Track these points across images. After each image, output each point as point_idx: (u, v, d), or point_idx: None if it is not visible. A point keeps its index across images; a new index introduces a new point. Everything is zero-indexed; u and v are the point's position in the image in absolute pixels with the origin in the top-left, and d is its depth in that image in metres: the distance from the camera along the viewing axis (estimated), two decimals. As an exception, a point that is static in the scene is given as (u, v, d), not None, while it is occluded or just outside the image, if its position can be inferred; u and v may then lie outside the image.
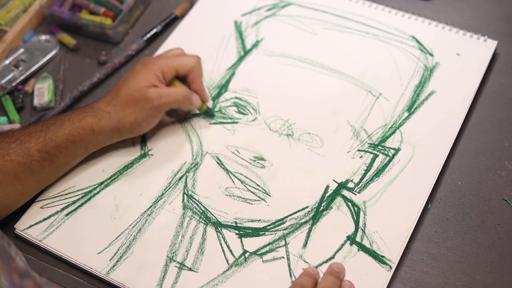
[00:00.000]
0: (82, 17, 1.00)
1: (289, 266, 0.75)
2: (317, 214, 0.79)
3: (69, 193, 0.83)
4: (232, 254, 0.77)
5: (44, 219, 0.81)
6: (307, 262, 0.75)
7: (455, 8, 1.01)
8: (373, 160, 0.83)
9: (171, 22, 1.03)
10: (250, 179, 0.83)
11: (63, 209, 0.81)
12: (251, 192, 0.82)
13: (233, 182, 0.83)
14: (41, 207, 0.82)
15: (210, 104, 0.91)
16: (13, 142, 0.77)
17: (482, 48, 0.94)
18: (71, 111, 0.83)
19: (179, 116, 0.90)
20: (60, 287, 0.63)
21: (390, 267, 0.74)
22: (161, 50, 0.98)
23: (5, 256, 0.57)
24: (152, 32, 1.01)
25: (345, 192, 0.81)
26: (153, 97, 0.81)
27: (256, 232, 0.78)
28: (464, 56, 0.93)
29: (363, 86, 0.91)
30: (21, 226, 0.80)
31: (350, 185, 0.81)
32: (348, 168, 0.83)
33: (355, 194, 0.81)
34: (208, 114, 0.89)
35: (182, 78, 0.87)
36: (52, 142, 0.78)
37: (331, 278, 0.72)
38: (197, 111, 0.89)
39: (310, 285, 0.72)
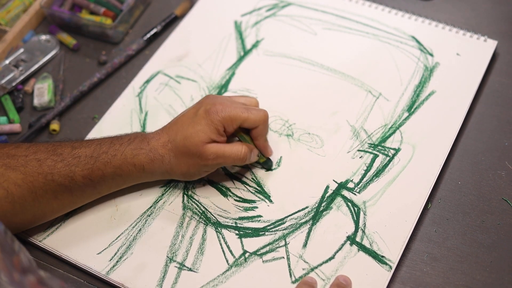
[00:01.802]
0: (82, 17, 1.00)
1: (289, 266, 0.75)
2: (317, 214, 0.79)
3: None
4: (232, 254, 0.77)
5: (44, 219, 0.81)
6: (307, 262, 0.75)
7: (455, 8, 1.01)
8: (373, 160, 0.83)
9: (171, 22, 1.03)
10: (250, 180, 0.83)
11: (63, 209, 0.81)
12: (251, 192, 0.82)
13: (233, 182, 0.83)
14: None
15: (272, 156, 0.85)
16: (60, 161, 0.75)
17: (482, 48, 0.94)
18: (127, 137, 0.78)
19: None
20: (64, 283, 0.62)
21: (390, 267, 0.74)
22: (161, 50, 0.98)
23: (8, 251, 0.57)
24: (152, 32, 1.01)
25: (345, 192, 0.81)
26: (209, 156, 0.76)
27: (256, 232, 0.78)
28: (464, 56, 0.93)
29: (363, 86, 0.91)
30: (21, 226, 0.80)
31: (350, 185, 0.81)
32: (348, 168, 0.83)
33: (355, 194, 0.81)
34: (265, 165, 0.84)
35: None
36: (99, 172, 0.76)
37: None
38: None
39: None
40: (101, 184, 0.77)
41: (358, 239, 0.77)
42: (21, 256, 0.59)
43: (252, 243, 0.77)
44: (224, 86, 0.93)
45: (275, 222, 0.79)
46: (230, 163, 0.79)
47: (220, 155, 0.77)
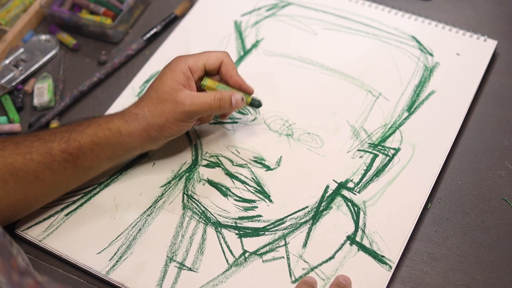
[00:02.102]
0: (82, 17, 1.00)
1: (289, 266, 0.75)
2: (317, 214, 0.79)
3: (69, 193, 0.82)
4: (232, 254, 0.77)
5: (44, 219, 0.81)
6: (307, 262, 0.75)
7: (455, 8, 1.01)
8: (373, 160, 0.83)
9: (171, 22, 1.03)
10: (250, 179, 0.83)
11: (63, 209, 0.81)
12: (251, 192, 0.82)
13: (233, 182, 0.83)
14: (41, 207, 0.81)
15: (255, 94, 0.83)
16: (36, 141, 0.75)
17: (482, 48, 0.94)
18: (101, 115, 0.80)
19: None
20: (62, 286, 0.62)
21: (390, 267, 0.74)
22: (161, 50, 0.98)
23: (6, 254, 0.57)
24: (152, 32, 1.01)
25: (345, 192, 0.81)
26: (185, 101, 0.76)
27: (256, 232, 0.78)
28: (464, 56, 0.93)
29: (363, 86, 0.91)
30: (21, 226, 0.80)
31: (350, 185, 0.81)
32: (348, 168, 0.83)
33: (355, 194, 0.81)
34: (254, 105, 0.82)
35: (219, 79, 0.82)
36: (76, 143, 0.76)
37: None
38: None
39: None
40: (81, 157, 0.76)
41: (358, 239, 0.77)
42: (19, 260, 0.59)
43: (252, 243, 0.77)
44: (224, 86, 0.93)
45: (275, 222, 0.79)
46: (207, 110, 0.78)
47: (196, 102, 0.77)
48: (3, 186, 0.73)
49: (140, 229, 0.79)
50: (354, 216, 0.79)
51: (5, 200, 0.74)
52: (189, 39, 0.99)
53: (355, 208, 0.79)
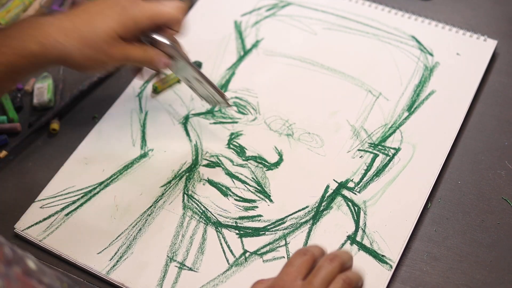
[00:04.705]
0: (82, 17, 1.00)
1: (289, 265, 0.75)
2: (317, 214, 0.79)
3: (68, 193, 0.83)
4: (233, 254, 0.77)
5: (44, 219, 0.81)
6: (307, 262, 0.75)
7: (455, 8, 1.01)
8: (373, 160, 0.83)
9: (171, 22, 1.03)
10: (250, 179, 0.83)
11: (63, 209, 0.81)
12: (251, 192, 0.82)
13: (233, 182, 0.83)
14: (40, 207, 0.81)
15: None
16: None
17: (482, 48, 0.94)
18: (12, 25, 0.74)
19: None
20: (58, 273, 0.61)
21: (391, 267, 0.74)
22: (161, 50, 0.98)
23: None
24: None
25: (345, 192, 0.81)
26: (117, 57, 0.73)
27: (256, 232, 0.78)
28: (464, 56, 0.93)
29: (363, 86, 0.91)
30: (21, 226, 0.80)
31: (350, 184, 0.81)
32: (348, 167, 0.83)
33: (355, 193, 0.81)
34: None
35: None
36: None
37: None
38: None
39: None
40: None
41: (358, 238, 0.77)
42: (5, 249, 0.58)
43: (252, 243, 0.77)
44: (224, 86, 0.93)
45: (275, 222, 0.79)
46: (138, 65, 0.78)
47: (130, 58, 0.75)
48: None
49: (140, 229, 0.79)
50: (355, 216, 0.79)
51: None
52: (189, 39, 0.99)
53: (356, 208, 0.79)
